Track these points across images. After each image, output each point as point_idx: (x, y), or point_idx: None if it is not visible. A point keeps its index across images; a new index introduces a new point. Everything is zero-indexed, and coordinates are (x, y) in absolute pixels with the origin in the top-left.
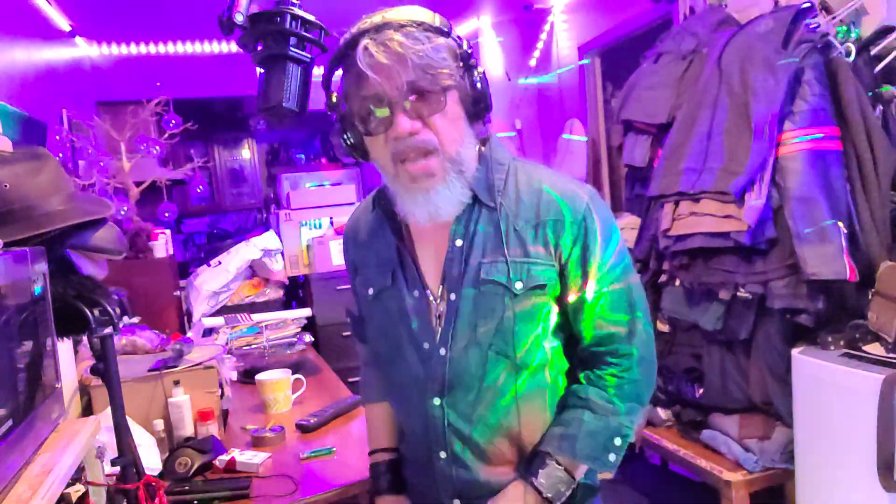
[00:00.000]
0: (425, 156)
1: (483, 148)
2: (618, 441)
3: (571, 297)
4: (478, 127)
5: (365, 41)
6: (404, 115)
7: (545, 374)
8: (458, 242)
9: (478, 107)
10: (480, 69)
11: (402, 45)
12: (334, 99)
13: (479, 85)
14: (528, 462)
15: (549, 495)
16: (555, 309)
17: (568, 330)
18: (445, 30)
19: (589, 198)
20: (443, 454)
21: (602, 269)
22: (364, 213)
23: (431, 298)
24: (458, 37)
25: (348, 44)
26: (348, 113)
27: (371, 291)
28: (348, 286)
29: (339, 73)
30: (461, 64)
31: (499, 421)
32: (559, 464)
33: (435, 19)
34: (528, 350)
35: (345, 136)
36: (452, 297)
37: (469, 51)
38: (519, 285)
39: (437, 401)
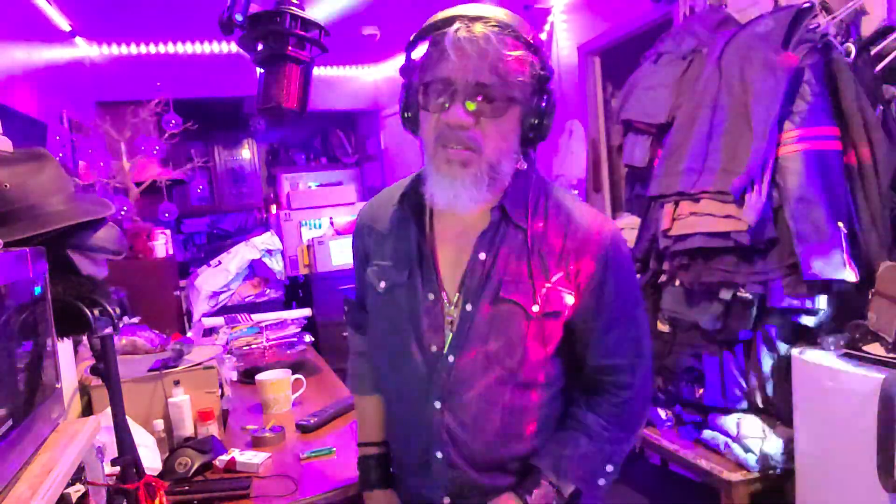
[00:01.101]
0: (466, 149)
1: (523, 168)
2: (609, 468)
3: (581, 326)
4: (527, 149)
5: (458, 25)
6: (462, 107)
7: (546, 393)
8: (482, 255)
9: (535, 131)
10: (552, 97)
11: (489, 44)
12: (411, 64)
13: (545, 111)
14: (522, 477)
15: None
16: (561, 332)
17: (570, 352)
18: (536, 48)
19: (613, 235)
20: (439, 454)
21: (615, 305)
22: (387, 205)
23: (446, 303)
24: (544, 59)
25: (444, 20)
26: (417, 83)
27: (383, 285)
28: (348, 286)
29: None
30: (535, 85)
31: (496, 431)
32: (551, 484)
33: (530, 35)
34: (533, 369)
35: (405, 103)
36: (469, 307)
37: (548, 76)
38: (536, 308)
39: (437, 404)
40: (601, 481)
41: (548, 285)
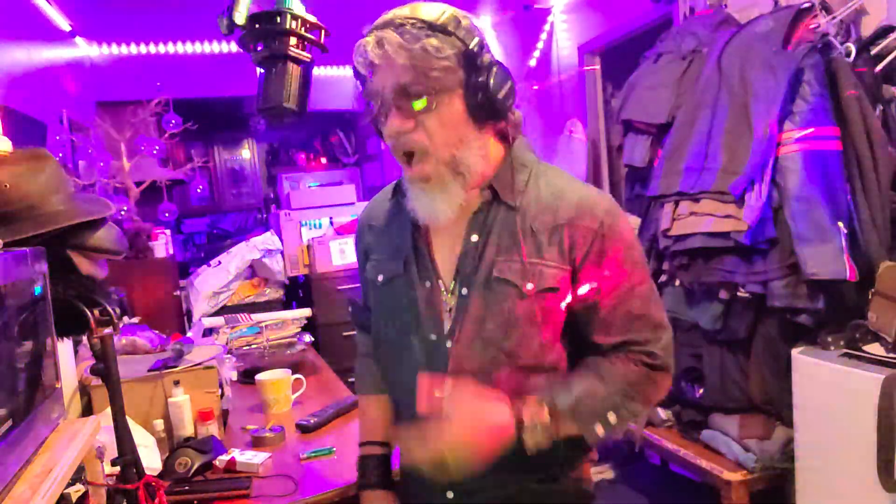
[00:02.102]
0: (419, 158)
1: (507, 147)
2: (611, 417)
3: (586, 305)
4: (500, 126)
5: (367, 38)
6: (396, 114)
7: (551, 378)
8: (474, 238)
9: (488, 107)
10: (493, 69)
11: (394, 45)
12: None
13: (488, 85)
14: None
15: (526, 437)
16: (564, 314)
17: (578, 336)
18: (450, 29)
19: (608, 206)
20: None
21: (618, 279)
22: (383, 201)
23: (443, 290)
24: (469, 33)
25: (360, 40)
26: (367, 108)
27: (381, 277)
28: (348, 286)
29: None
30: (466, 63)
31: None
32: (549, 410)
33: (441, 17)
34: (535, 352)
35: (376, 126)
36: (464, 291)
37: (476, 49)
38: (530, 286)
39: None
40: (598, 427)
41: (541, 262)
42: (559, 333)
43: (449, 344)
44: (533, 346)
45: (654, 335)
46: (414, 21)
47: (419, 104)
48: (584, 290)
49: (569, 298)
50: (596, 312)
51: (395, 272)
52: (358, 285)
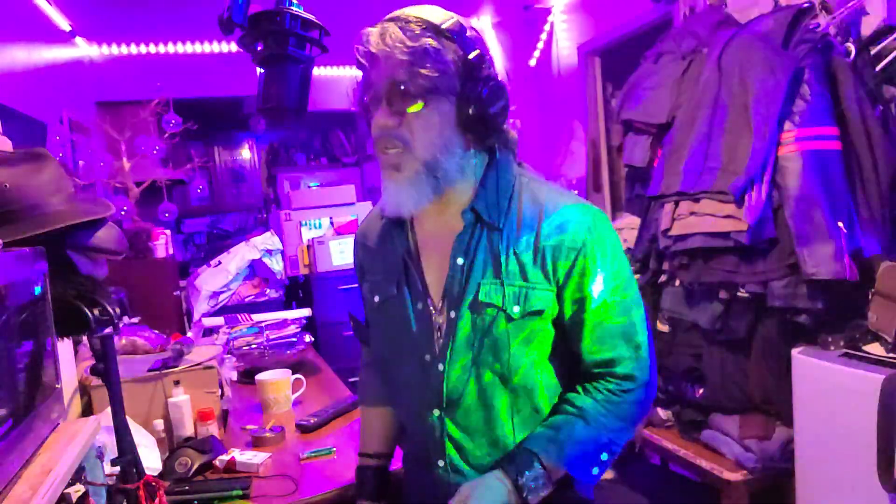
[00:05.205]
0: (398, 151)
1: (492, 163)
2: (604, 456)
3: (570, 322)
4: (488, 142)
5: (370, 30)
6: (386, 108)
7: (542, 396)
8: (460, 260)
9: (478, 121)
10: (490, 84)
11: (395, 39)
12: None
13: (482, 98)
14: (512, 457)
15: (530, 498)
16: (552, 333)
17: (565, 352)
18: (454, 35)
19: (591, 222)
20: (441, 462)
21: (602, 296)
22: (375, 219)
23: (433, 310)
24: (473, 45)
25: (365, 29)
26: (360, 100)
27: (377, 299)
28: (348, 286)
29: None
30: (464, 72)
31: (495, 436)
32: (543, 467)
33: (447, 22)
34: (524, 373)
35: (366, 118)
36: (452, 314)
37: (476, 61)
38: (517, 310)
39: (436, 412)
40: (595, 469)
41: (526, 285)
42: (548, 352)
43: (441, 366)
44: (523, 366)
45: (634, 353)
46: (419, 21)
47: (412, 108)
48: (567, 308)
49: (555, 316)
50: (582, 327)
51: (389, 293)
52: (356, 285)
